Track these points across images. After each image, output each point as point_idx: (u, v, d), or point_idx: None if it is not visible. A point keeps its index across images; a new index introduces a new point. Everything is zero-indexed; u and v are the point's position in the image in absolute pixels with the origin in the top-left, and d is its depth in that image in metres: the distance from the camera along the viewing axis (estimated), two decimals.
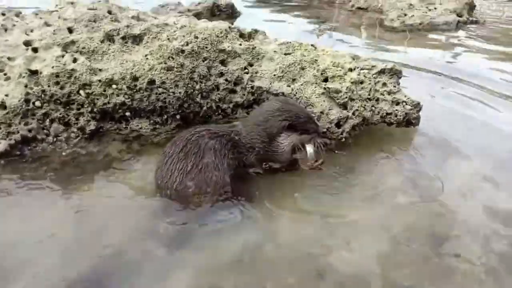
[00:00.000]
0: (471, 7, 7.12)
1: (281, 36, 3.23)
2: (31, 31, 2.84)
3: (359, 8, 7.27)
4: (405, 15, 6.52)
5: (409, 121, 2.88)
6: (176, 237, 2.01)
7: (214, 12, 6.07)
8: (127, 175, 2.40)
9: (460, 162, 2.73)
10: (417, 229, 2.13)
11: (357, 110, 2.66)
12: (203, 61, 2.84)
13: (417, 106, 2.89)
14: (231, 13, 6.15)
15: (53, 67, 2.50)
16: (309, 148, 2.49)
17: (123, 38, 2.84)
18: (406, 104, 2.86)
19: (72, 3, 3.19)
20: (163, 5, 6.26)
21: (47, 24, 2.88)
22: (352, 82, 2.75)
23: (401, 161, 2.71)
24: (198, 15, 5.96)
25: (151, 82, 2.66)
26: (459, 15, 6.58)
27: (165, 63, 2.70)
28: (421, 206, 2.31)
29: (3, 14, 2.94)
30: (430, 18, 6.39)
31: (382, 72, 2.95)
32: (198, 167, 2.22)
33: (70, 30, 2.82)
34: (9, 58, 2.58)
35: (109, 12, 3.07)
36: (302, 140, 2.48)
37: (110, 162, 2.50)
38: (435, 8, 6.72)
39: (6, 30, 2.80)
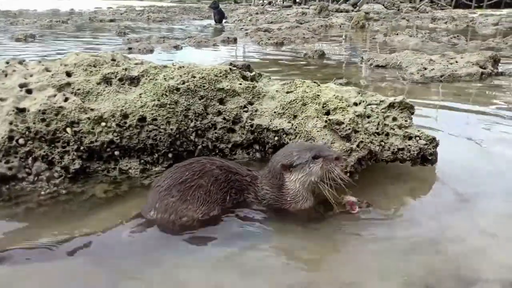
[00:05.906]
0: (496, 61, 6.92)
1: None
2: (31, 75, 2.84)
3: (378, 66, 7.21)
4: (425, 68, 6.38)
5: (425, 158, 2.59)
6: None
7: None
8: (107, 214, 2.19)
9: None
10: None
11: (361, 141, 2.39)
12: (200, 99, 2.72)
13: (433, 141, 2.60)
14: None
15: (41, 104, 2.43)
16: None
17: (120, 79, 2.79)
18: (420, 138, 2.58)
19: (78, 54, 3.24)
20: None
21: (47, 70, 2.88)
22: (357, 115, 2.52)
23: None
24: None
25: (142, 119, 2.54)
26: (483, 68, 6.36)
27: (158, 100, 2.59)
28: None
29: (7, 63, 2.98)
30: (452, 70, 6.21)
31: (391, 106, 2.72)
32: (191, 183, 2.05)
33: (68, 74, 2.80)
34: (1, 99, 2.54)
35: (113, 60, 3.07)
36: (312, 172, 2.08)
37: (93, 202, 2.31)
38: (456, 62, 6.55)
39: (6, 75, 2.81)
